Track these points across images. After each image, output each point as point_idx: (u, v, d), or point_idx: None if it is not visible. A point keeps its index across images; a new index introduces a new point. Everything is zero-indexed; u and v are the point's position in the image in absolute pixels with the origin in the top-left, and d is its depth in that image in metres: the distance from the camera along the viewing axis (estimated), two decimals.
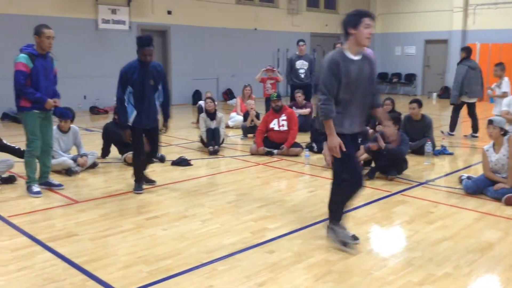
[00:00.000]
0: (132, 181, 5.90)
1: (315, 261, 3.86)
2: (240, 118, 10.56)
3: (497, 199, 5.43)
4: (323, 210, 5.13)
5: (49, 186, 5.81)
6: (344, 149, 3.83)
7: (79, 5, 13.27)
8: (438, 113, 14.15)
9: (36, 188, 5.60)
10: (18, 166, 6.31)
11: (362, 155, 6.55)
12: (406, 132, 7.24)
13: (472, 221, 4.85)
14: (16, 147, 6.55)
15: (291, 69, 10.80)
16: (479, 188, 5.68)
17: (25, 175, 5.72)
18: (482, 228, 4.65)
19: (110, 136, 7.39)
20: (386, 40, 20.60)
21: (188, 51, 15.59)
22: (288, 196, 5.76)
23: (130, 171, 6.80)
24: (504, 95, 8.65)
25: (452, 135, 9.78)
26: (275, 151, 7.96)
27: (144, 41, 5.47)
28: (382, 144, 6.29)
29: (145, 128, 5.67)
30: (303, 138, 8.72)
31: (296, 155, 7.88)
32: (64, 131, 6.69)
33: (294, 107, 9.78)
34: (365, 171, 6.54)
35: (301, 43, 10.84)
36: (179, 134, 9.95)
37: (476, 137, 9.61)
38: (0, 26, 11.79)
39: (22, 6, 12.21)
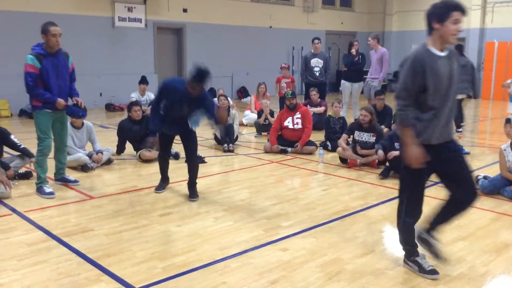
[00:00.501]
0: (146, 177, 5.91)
1: (328, 260, 3.85)
2: (254, 116, 10.55)
3: None
4: (336, 209, 5.13)
5: (66, 182, 5.86)
6: (423, 163, 3.30)
7: (96, 3, 13.40)
8: None
9: (48, 189, 5.45)
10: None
11: (376, 156, 6.47)
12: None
13: (488, 221, 4.79)
14: (21, 146, 6.09)
15: (306, 67, 10.78)
16: (496, 188, 5.61)
17: (36, 175, 5.57)
18: (498, 229, 4.60)
19: (125, 133, 7.45)
20: (403, 38, 20.39)
21: (203, 49, 15.62)
22: (302, 194, 5.75)
23: (144, 167, 6.88)
24: None
25: (460, 131, 9.70)
26: (289, 149, 7.95)
27: (199, 77, 5.14)
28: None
29: (173, 134, 5.63)
30: (318, 137, 8.68)
31: (310, 153, 7.86)
32: (77, 127, 6.72)
33: (308, 105, 9.75)
34: (379, 169, 6.55)
35: (316, 41, 10.79)
36: None
37: (460, 132, 9.58)
38: (17, 24, 11.94)
39: (40, 4, 12.34)
